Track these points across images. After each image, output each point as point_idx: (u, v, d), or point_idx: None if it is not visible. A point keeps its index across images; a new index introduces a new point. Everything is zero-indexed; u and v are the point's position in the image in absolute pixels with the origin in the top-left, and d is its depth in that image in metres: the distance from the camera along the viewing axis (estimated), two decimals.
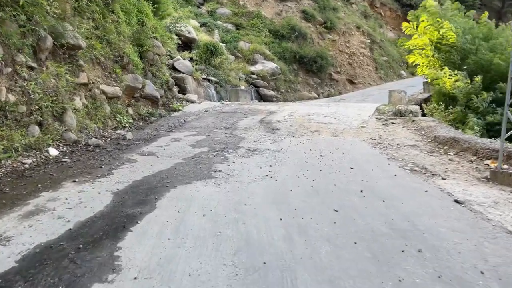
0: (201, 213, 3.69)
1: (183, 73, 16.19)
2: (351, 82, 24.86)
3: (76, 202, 3.93)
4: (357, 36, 26.87)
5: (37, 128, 6.14)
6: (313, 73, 22.84)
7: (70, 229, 3.30)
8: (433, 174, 5.33)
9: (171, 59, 16.83)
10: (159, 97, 11.79)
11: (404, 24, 15.09)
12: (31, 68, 6.38)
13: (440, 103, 11.65)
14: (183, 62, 16.58)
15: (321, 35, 24.77)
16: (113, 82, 9.73)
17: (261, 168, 5.52)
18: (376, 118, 10.74)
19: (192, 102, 14.17)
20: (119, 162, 5.77)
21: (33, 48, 6.48)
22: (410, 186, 4.78)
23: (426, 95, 19.30)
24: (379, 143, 7.56)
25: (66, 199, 4.00)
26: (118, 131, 8.86)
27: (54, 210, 3.73)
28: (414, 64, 15.00)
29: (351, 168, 5.54)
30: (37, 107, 6.22)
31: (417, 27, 14.79)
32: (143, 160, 5.93)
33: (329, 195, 4.34)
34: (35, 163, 5.55)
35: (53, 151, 6.00)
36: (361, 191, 4.47)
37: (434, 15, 14.53)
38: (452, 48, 13.96)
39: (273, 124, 9.84)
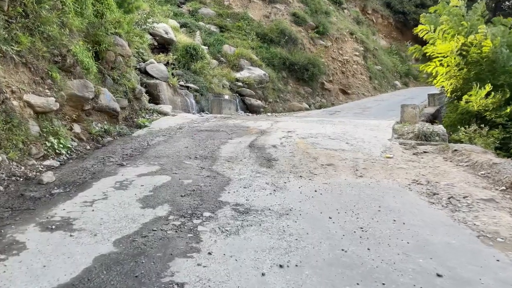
0: None
1: (156, 78, 13.35)
2: (344, 92, 22.27)
3: None
4: (350, 42, 24.34)
5: None
6: (304, 81, 20.17)
7: None
8: None
9: (143, 62, 13.98)
10: (119, 109, 8.88)
11: (419, 27, 12.56)
12: None
13: (482, 125, 9.09)
14: (157, 66, 13.73)
15: (312, 41, 22.12)
16: (47, 90, 6.79)
17: (263, 275, 2.70)
18: (400, 144, 8.06)
19: (165, 114, 11.30)
20: None
21: None
22: None
23: (432, 109, 16.84)
24: (434, 193, 4.84)
25: None
26: (47, 162, 5.95)
27: None
28: (434, 74, 12.45)
29: (438, 276, 2.77)
30: None
31: (434, 30, 12.27)
32: (39, 246, 3.05)
33: None
34: None
35: None
36: None
37: (457, 17, 12.02)
38: (483, 59, 11.45)
39: (267, 151, 7.06)
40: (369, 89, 23.82)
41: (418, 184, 5.29)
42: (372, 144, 7.92)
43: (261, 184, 5.02)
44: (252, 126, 9.60)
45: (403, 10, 29.93)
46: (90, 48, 8.71)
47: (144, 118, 10.13)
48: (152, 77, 13.39)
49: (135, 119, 9.69)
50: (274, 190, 4.75)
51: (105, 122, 8.47)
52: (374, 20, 29.99)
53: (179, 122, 10.06)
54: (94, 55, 8.85)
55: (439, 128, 9.34)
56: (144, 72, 13.54)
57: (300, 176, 5.49)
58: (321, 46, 22.22)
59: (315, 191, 4.78)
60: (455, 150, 7.02)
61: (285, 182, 5.15)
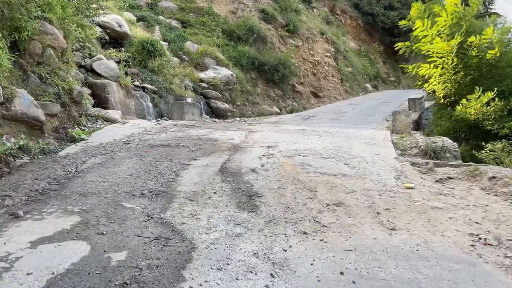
0: None
1: (105, 78, 10.96)
2: (316, 95, 20.46)
3: None
4: (321, 43, 22.55)
5: None
6: (274, 83, 18.17)
7: None
8: None
9: (90, 57, 11.55)
10: (43, 118, 6.51)
11: (418, 23, 10.74)
12: None
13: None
14: (106, 63, 11.32)
15: (282, 40, 20.15)
16: None
17: None
18: (412, 165, 6.17)
19: (113, 121, 8.97)
20: None
21: None
22: None
23: (415, 115, 15.26)
24: None
25: None
26: None
27: None
28: (427, 76, 10.74)
29: None
30: None
31: (431, 26, 10.53)
32: None
33: None
34: None
35: None
36: None
37: (455, 15, 10.33)
38: (483, 64, 9.87)
39: (246, 180, 4.97)
40: (340, 92, 22.15)
41: (485, 244, 3.36)
42: (378, 165, 5.99)
43: (246, 257, 2.90)
44: (221, 138, 7.46)
45: (371, 12, 28.60)
46: (5, 35, 6.30)
47: (83, 127, 7.77)
48: (100, 76, 10.98)
49: (69, 130, 7.31)
50: (272, 276, 2.64)
51: (22, 136, 6.09)
52: (343, 21, 28.44)
53: (128, 132, 7.77)
54: (10, 45, 6.46)
55: (448, 142, 7.57)
56: (90, 70, 11.12)
57: (304, 233, 3.43)
58: (292, 45, 20.29)
59: (341, 273, 2.72)
60: (493, 177, 5.18)
61: (285, 250, 3.06)
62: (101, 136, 7.20)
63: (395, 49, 11.65)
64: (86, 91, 9.80)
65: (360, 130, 9.27)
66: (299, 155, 6.39)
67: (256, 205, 4.14)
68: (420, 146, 7.42)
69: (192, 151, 6.37)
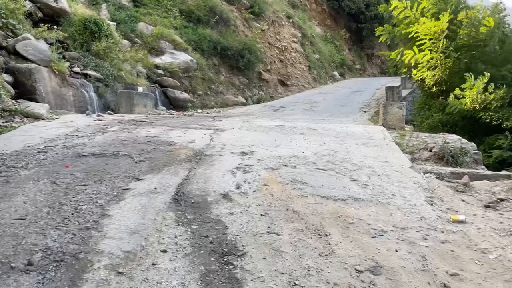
0: None
1: (32, 61, 8.68)
2: (283, 83, 18.66)
3: None
4: (287, 27, 20.67)
5: None
6: (239, 70, 16.20)
7: None
8: None
9: (14, 36, 9.19)
10: None
11: (395, 2, 9.14)
12: None
13: None
14: (34, 43, 9.02)
15: (247, 23, 18.11)
16: None
17: None
18: (438, 178, 4.50)
19: (37, 118, 6.79)
20: None
21: None
22: None
23: None
24: None
25: None
26: None
27: None
28: (414, 63, 9.17)
29: None
30: None
31: (411, 7, 9.00)
32: None
33: None
34: None
35: None
36: None
37: None
38: (474, 45, 8.45)
39: (215, 216, 3.10)
40: (309, 80, 20.48)
41: None
42: (395, 180, 4.26)
43: None
44: (179, 141, 5.49)
45: None
46: None
47: None
48: (26, 59, 8.67)
49: None
50: None
51: None
52: (308, 6, 26.69)
53: (51, 134, 5.63)
54: None
55: (464, 142, 6.01)
56: (14, 53, 8.79)
57: None
58: (257, 29, 18.32)
59: None
60: None
61: None
62: (8, 142, 5.04)
63: (375, 35, 10.03)
64: (3, 78, 7.55)
65: (349, 127, 7.54)
66: (286, 165, 4.57)
67: (237, 278, 2.29)
68: (432, 148, 5.80)
69: (136, 163, 4.39)
